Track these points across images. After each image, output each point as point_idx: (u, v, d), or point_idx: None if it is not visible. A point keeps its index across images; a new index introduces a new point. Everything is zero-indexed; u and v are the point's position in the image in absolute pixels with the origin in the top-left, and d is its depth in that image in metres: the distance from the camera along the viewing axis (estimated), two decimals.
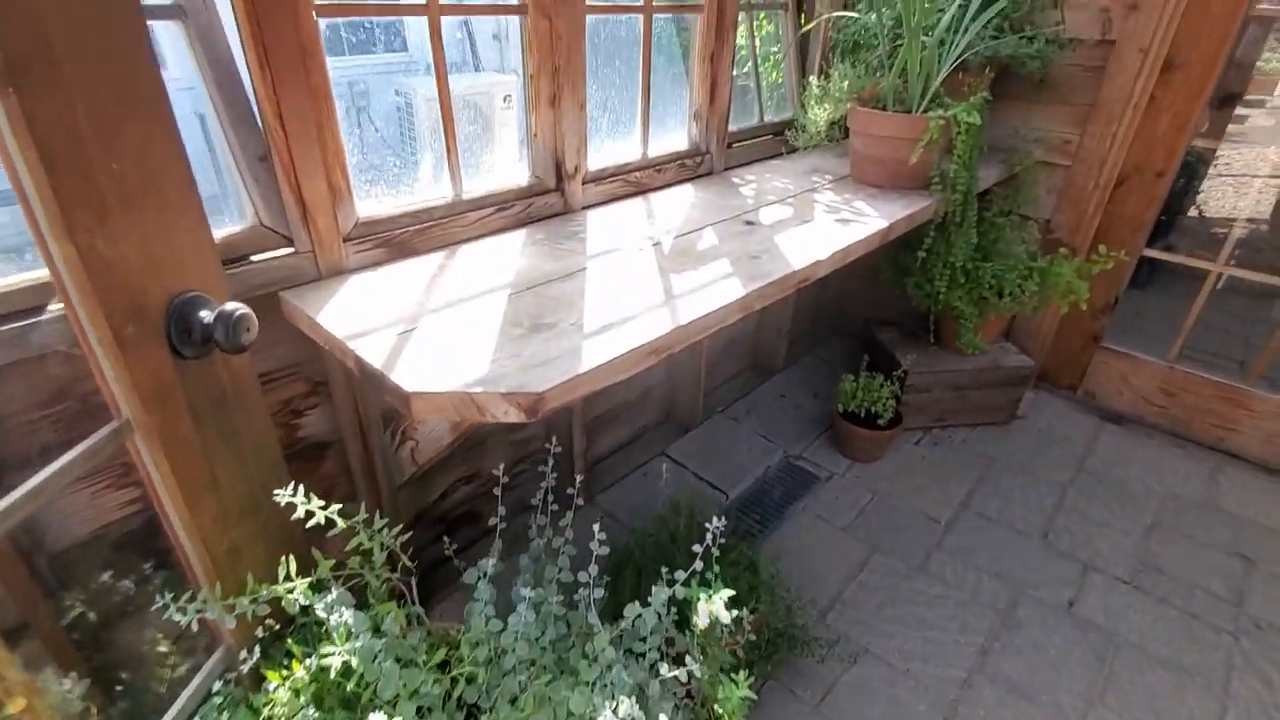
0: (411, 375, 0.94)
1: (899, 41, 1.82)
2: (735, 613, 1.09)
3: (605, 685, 0.93)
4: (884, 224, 1.63)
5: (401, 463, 1.48)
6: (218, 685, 0.98)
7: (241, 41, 1.04)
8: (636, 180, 1.81)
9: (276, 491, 0.91)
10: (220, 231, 1.17)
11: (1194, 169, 3.91)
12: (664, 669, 1.00)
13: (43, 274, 0.92)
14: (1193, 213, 4.50)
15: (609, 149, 1.82)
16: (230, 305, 0.77)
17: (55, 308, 0.94)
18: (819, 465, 2.42)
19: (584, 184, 1.66)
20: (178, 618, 0.88)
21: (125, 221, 0.70)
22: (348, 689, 0.89)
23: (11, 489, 0.69)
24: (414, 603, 1.10)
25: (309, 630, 1.04)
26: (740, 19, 2.10)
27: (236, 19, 1.03)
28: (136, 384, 0.75)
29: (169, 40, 1.08)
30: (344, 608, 0.92)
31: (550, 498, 1.33)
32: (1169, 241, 3.94)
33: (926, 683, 1.66)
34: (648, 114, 1.80)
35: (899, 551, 2.04)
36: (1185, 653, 1.75)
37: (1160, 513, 2.21)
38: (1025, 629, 1.81)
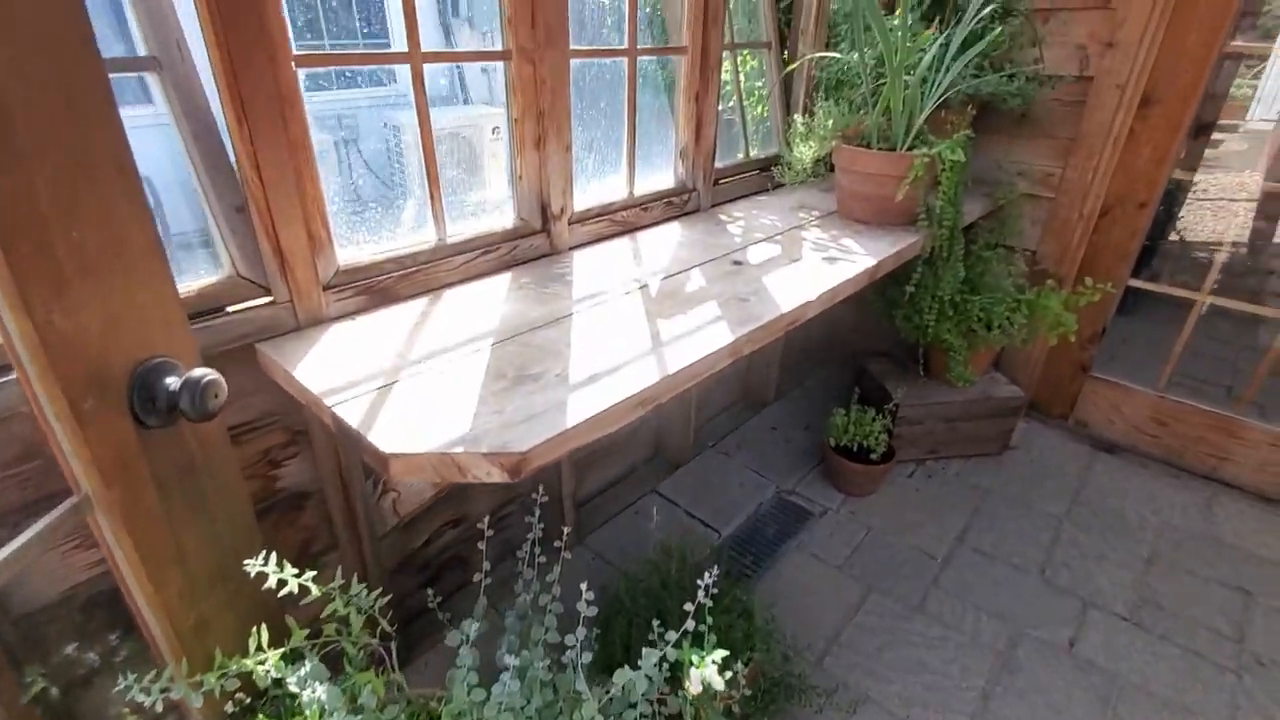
0: (390, 434, 0.91)
1: (882, 80, 1.84)
2: (729, 673, 1.05)
3: None
4: (872, 262, 1.62)
5: (384, 514, 1.43)
6: None
7: (218, 92, 1.03)
8: (623, 219, 1.80)
9: (247, 562, 0.87)
10: (196, 283, 1.14)
11: (1173, 196, 3.97)
12: None
13: None
14: (1173, 238, 4.57)
15: (595, 188, 1.81)
16: (198, 371, 0.74)
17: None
18: (812, 500, 2.39)
19: (570, 224, 1.65)
20: (141, 698, 0.83)
21: (85, 291, 0.67)
22: None
23: None
24: (394, 669, 1.05)
25: (282, 703, 0.99)
26: (725, 55, 2.12)
27: (213, 70, 1.01)
28: (96, 458, 0.72)
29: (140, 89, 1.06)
30: (317, 683, 0.88)
31: (537, 549, 1.29)
32: (1152, 267, 3.99)
33: None
34: (633, 153, 1.80)
35: (896, 590, 2.00)
36: (1188, 692, 1.72)
37: (1157, 545, 2.19)
38: (1026, 671, 1.76)
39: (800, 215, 2.00)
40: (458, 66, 7.20)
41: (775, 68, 2.29)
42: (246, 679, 0.90)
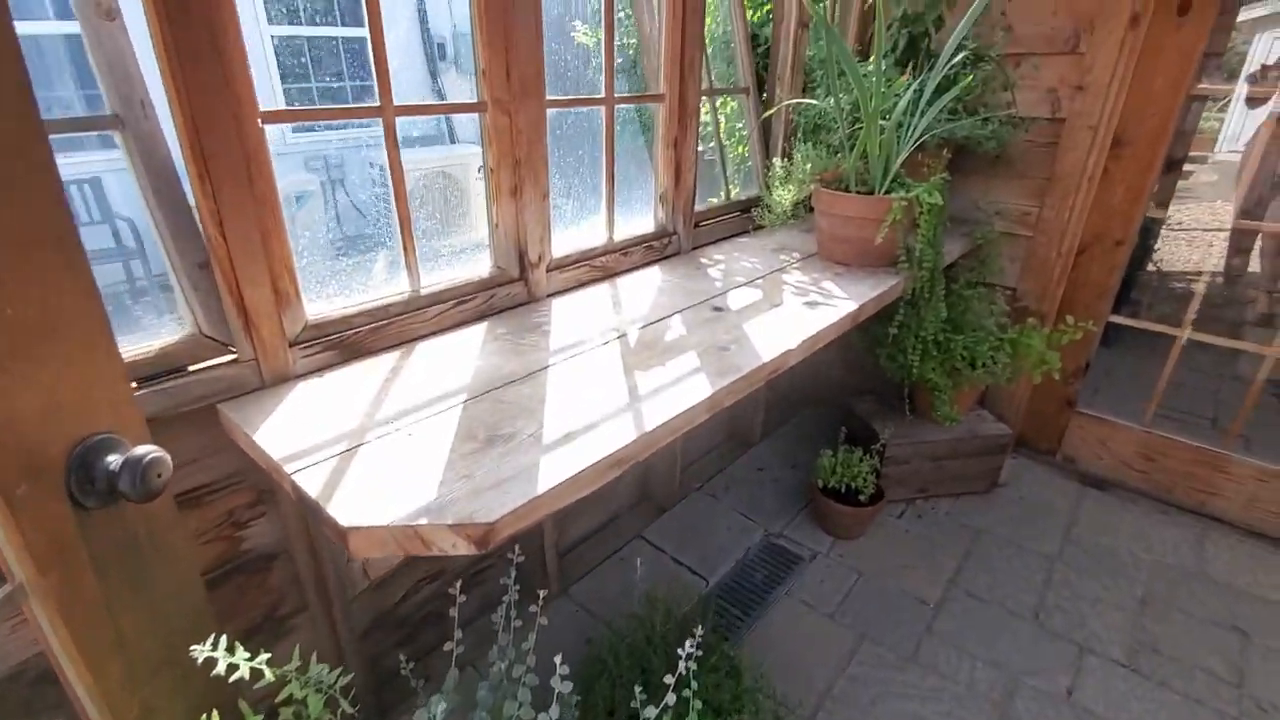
0: (351, 505, 0.86)
1: (858, 124, 1.86)
2: None
3: None
4: (854, 306, 1.61)
5: (354, 575, 1.38)
6: None
7: (181, 151, 1.00)
8: (603, 265, 1.78)
9: (194, 648, 0.81)
10: (156, 342, 1.10)
11: (1148, 229, 4.04)
12: None
13: None
14: (1151, 269, 4.64)
15: (575, 234, 1.80)
16: (140, 449, 0.70)
17: None
18: (801, 544, 2.34)
19: (549, 271, 1.63)
20: None
21: (21, 371, 0.63)
22: None
23: None
24: None
25: None
26: (704, 100, 2.14)
27: (176, 128, 0.99)
28: (30, 545, 0.67)
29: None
30: None
31: (514, 611, 1.23)
32: (1132, 300, 4.04)
33: None
34: (613, 199, 1.79)
35: (888, 639, 1.95)
36: None
37: (1151, 585, 2.15)
38: None
39: (781, 258, 2.00)
40: (443, 100, 7.29)
41: (754, 112, 2.31)
42: None
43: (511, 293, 1.56)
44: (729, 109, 2.65)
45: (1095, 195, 2.28)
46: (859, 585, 2.15)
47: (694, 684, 1.13)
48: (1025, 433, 2.74)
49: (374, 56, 1.19)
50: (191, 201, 1.07)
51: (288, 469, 0.94)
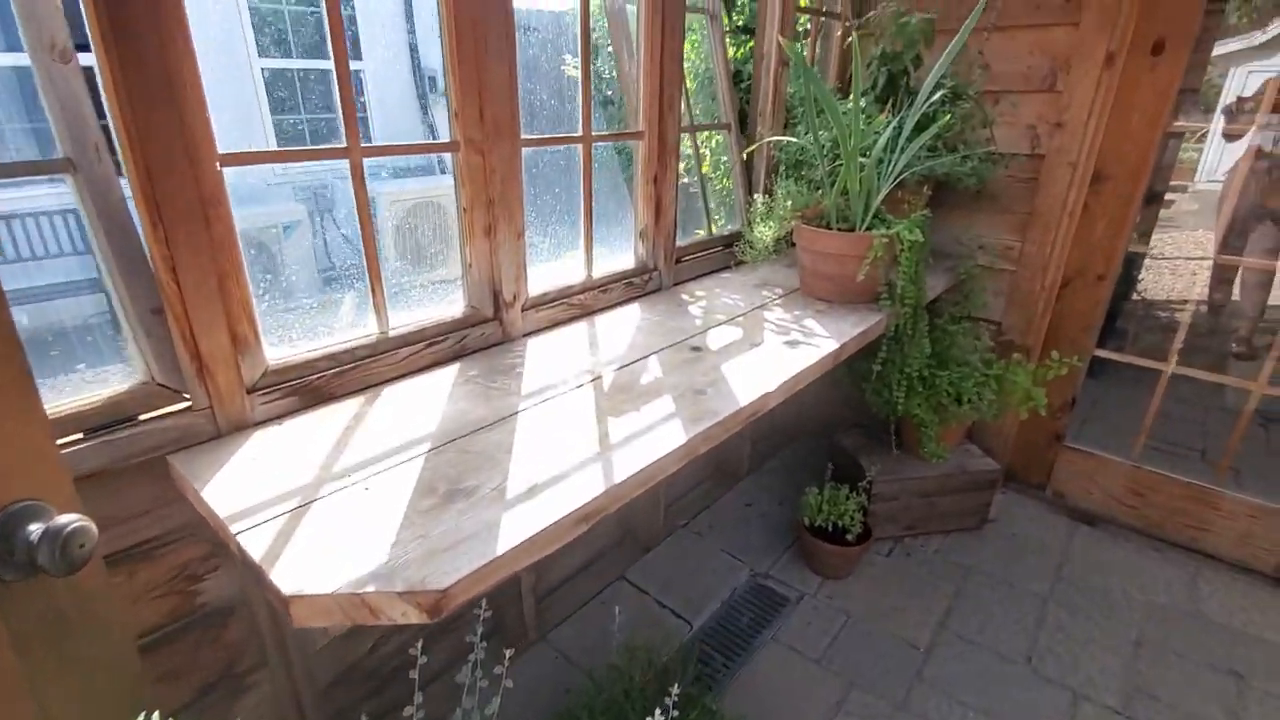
0: (296, 569, 0.82)
1: (838, 161, 1.85)
2: None
3: None
4: (835, 345, 1.58)
5: (314, 630, 1.31)
6: None
7: (133, 196, 0.97)
8: (581, 302, 1.76)
9: None
10: (105, 390, 1.06)
11: (1132, 260, 4.07)
12: None
13: None
14: (1135, 298, 4.66)
15: (552, 272, 1.78)
16: (62, 519, 0.65)
17: None
18: (788, 584, 2.28)
19: (524, 310, 1.60)
20: None
21: None
22: None
23: None
24: None
25: None
26: (685, 136, 2.13)
27: (127, 173, 0.96)
28: None
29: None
30: None
31: (479, 672, 1.17)
32: (1117, 329, 4.05)
33: None
34: (591, 236, 1.77)
35: (878, 686, 1.88)
36: None
37: (1145, 626, 2.10)
38: None
39: (763, 294, 1.98)
40: (433, 134, 7.33)
41: (736, 148, 2.32)
42: None
43: (485, 333, 1.52)
44: (715, 142, 2.66)
45: (1076, 230, 2.29)
46: (847, 628, 2.09)
47: None
48: (1014, 467, 2.70)
49: (340, 97, 1.17)
50: (145, 247, 1.03)
51: (233, 529, 0.89)
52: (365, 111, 6.47)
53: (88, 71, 0.97)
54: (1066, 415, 2.55)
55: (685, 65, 3.20)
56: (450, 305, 1.50)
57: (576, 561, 2.19)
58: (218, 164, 1.02)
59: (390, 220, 6.19)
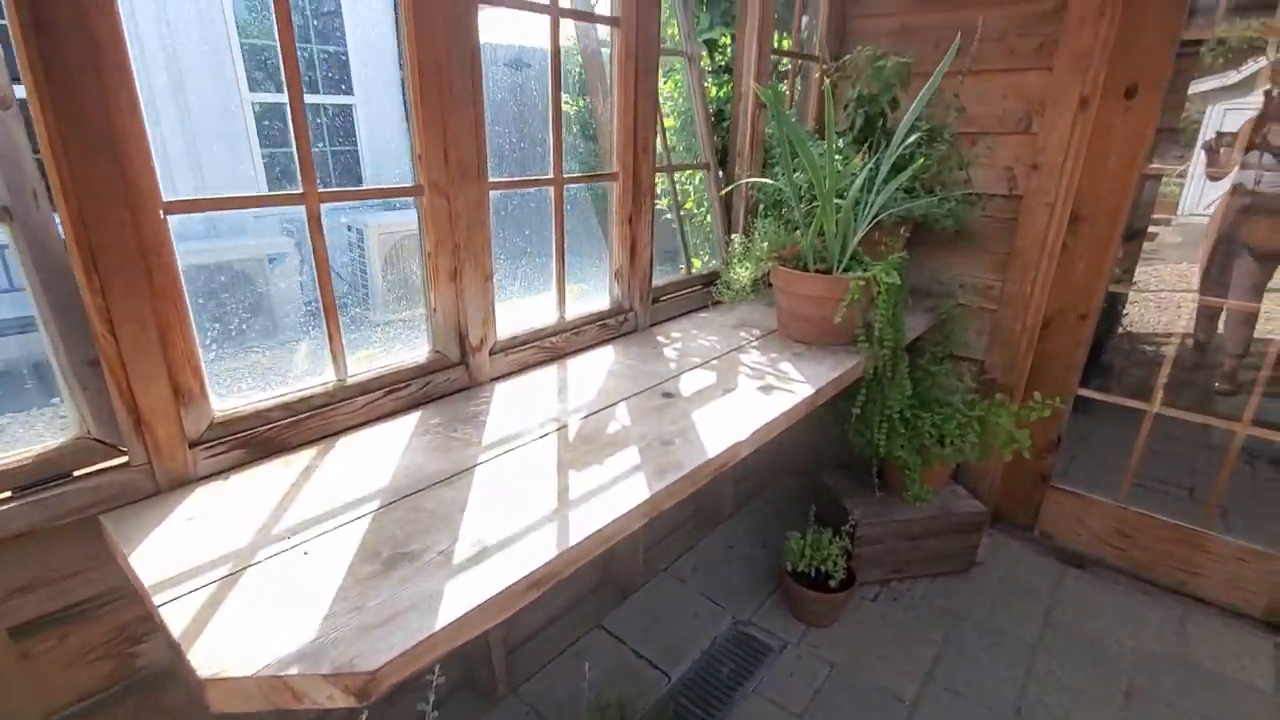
0: (217, 648, 0.76)
1: (815, 202, 1.84)
2: None
3: None
4: (810, 391, 1.55)
5: None
6: None
7: (66, 245, 0.93)
8: (553, 345, 1.72)
9: None
10: (38, 446, 1.01)
11: (1116, 295, 4.09)
12: None
13: None
14: (1121, 331, 4.67)
15: (524, 314, 1.74)
16: None
17: None
18: (770, 632, 2.20)
19: (492, 354, 1.56)
20: None
21: None
22: None
23: None
24: None
25: None
26: (664, 175, 2.13)
27: (62, 221, 0.93)
28: None
29: None
30: None
31: None
32: (1102, 364, 4.04)
33: None
34: (563, 277, 1.74)
35: None
36: None
37: (1135, 675, 2.04)
38: None
39: (741, 335, 1.95)
40: None
41: (714, 187, 2.31)
42: None
43: (451, 378, 1.48)
44: (697, 179, 2.66)
45: (1056, 270, 2.28)
46: (831, 679, 2.02)
47: None
48: (1001, 508, 2.66)
49: (295, 139, 1.14)
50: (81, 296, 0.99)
51: (156, 599, 0.84)
52: (357, 145, 6.50)
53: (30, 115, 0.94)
54: (1052, 455, 2.51)
55: (669, 104, 3.24)
56: (415, 350, 1.46)
57: (552, 610, 2.12)
58: (161, 212, 0.99)
59: (378, 253, 6.19)
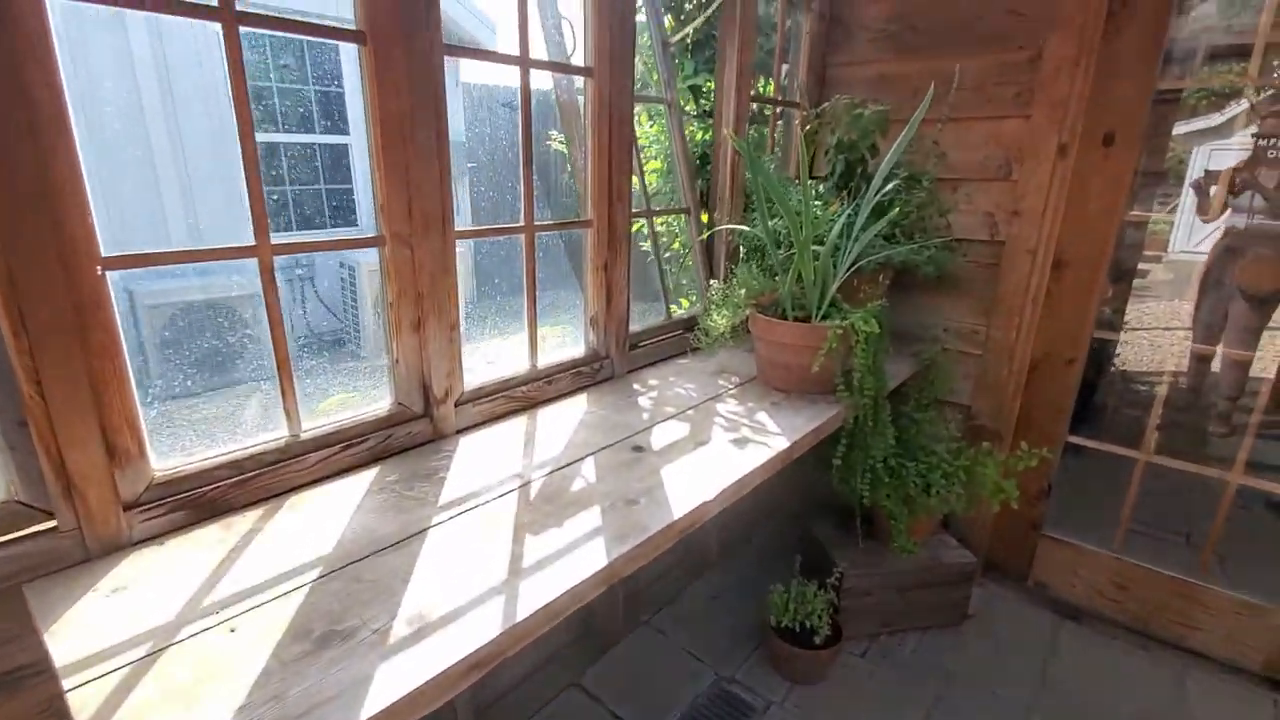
0: None
1: (793, 249, 1.82)
2: None
3: None
4: (785, 444, 1.50)
5: None
6: None
7: None
8: (524, 394, 1.68)
9: None
10: None
11: (1105, 339, 4.06)
12: None
13: None
14: (1113, 369, 4.64)
15: (496, 361, 1.71)
16: None
17: None
18: (754, 690, 2.11)
19: (458, 405, 1.52)
20: None
21: None
22: None
23: None
24: None
25: None
26: (644, 220, 2.11)
27: None
28: None
29: None
30: None
31: None
32: (1096, 401, 3.99)
33: None
34: (535, 325, 1.71)
35: None
36: None
37: None
38: None
39: (720, 383, 1.91)
40: None
41: (694, 231, 2.30)
42: None
43: (413, 431, 1.44)
44: (682, 222, 2.65)
45: (1041, 315, 2.25)
46: None
47: None
48: (993, 557, 2.58)
49: (247, 186, 1.12)
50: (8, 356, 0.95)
51: (65, 684, 0.78)
52: (352, 185, 6.55)
53: None
54: (1043, 503, 2.45)
55: (656, 147, 3.25)
56: (375, 402, 1.42)
57: (528, 664, 2.04)
58: (99, 268, 0.96)
59: (369, 292, 6.19)
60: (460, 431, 1.52)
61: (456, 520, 1.16)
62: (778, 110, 2.54)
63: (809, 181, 1.73)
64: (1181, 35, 2.20)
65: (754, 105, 2.28)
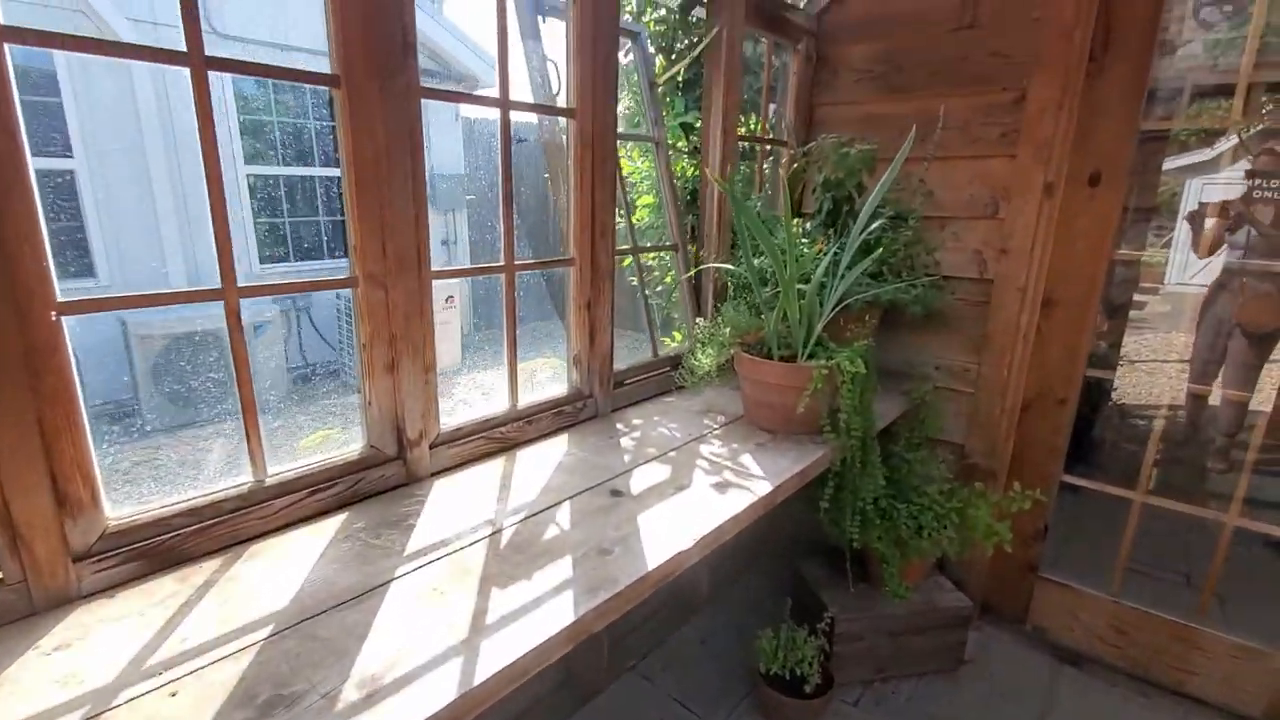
0: None
1: (779, 287, 1.81)
2: None
3: None
4: (768, 489, 1.46)
5: None
6: None
7: None
8: (503, 435, 1.64)
9: None
10: None
11: (1104, 364, 4.02)
12: None
13: None
14: (1111, 403, 4.59)
15: (491, 393, 1.68)
16: None
17: None
18: None
19: (434, 448, 1.48)
20: None
21: None
22: None
23: None
24: None
25: None
26: (629, 257, 2.10)
27: None
28: None
29: None
30: None
31: None
32: (1094, 435, 3.94)
33: None
34: (515, 365, 1.68)
35: None
36: None
37: None
38: None
39: (705, 422, 1.88)
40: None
41: (683, 268, 2.29)
42: None
43: (386, 474, 1.40)
44: (669, 255, 2.64)
45: (1032, 354, 2.23)
46: None
47: None
48: (990, 600, 2.52)
49: (214, 228, 1.10)
50: None
51: None
52: (345, 213, 6.59)
53: None
54: (1039, 544, 2.39)
55: (648, 183, 3.27)
56: (346, 446, 1.39)
57: (506, 713, 1.96)
58: (54, 313, 0.94)
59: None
60: (435, 474, 1.49)
61: (422, 571, 1.12)
62: (766, 148, 2.55)
63: (794, 220, 1.72)
64: (1166, 75, 2.22)
65: (743, 143, 2.29)
